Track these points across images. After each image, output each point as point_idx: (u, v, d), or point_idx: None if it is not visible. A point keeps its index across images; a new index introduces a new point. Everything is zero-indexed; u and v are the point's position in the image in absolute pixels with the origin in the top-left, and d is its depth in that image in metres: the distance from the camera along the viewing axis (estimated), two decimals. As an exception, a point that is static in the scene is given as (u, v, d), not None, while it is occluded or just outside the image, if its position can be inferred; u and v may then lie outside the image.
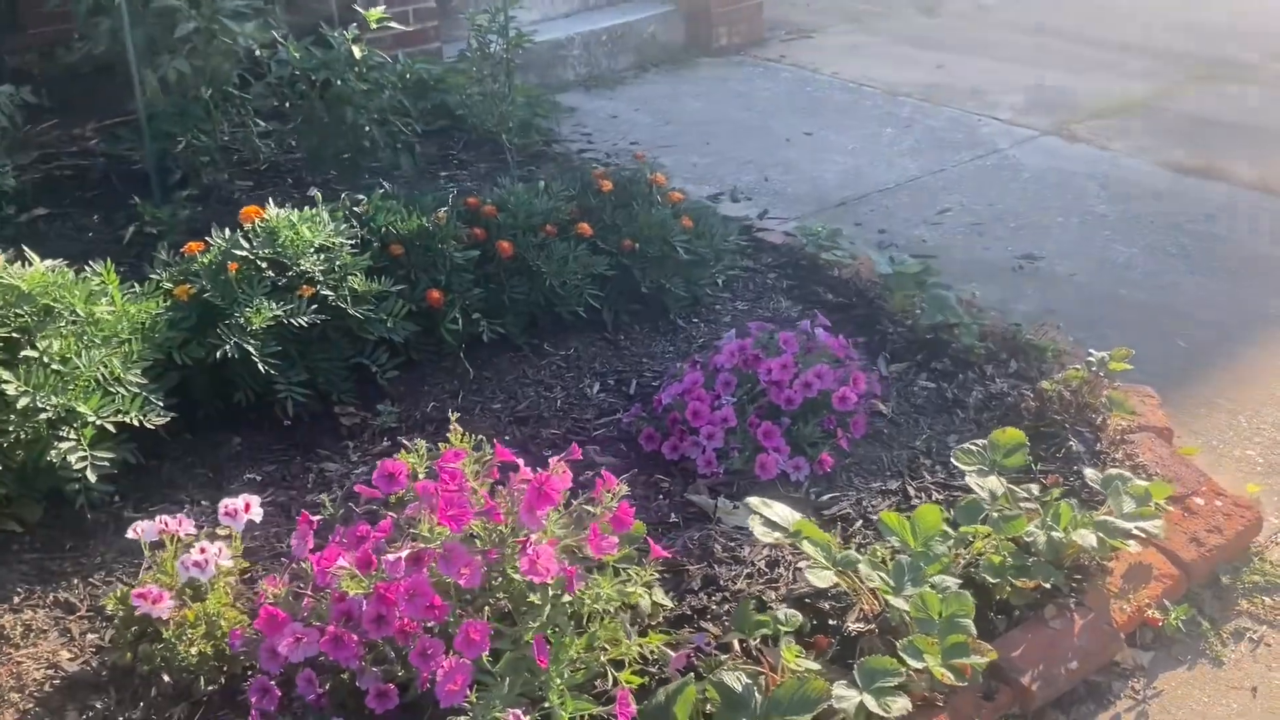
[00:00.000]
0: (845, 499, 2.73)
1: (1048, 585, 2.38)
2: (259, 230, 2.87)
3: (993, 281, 4.05)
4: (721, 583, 2.45)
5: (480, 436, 2.21)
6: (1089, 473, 2.61)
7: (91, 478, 2.41)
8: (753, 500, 2.34)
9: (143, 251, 3.53)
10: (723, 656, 2.21)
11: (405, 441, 2.85)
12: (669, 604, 2.35)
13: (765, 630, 2.14)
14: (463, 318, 3.09)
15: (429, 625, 2.00)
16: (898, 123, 5.75)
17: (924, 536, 2.35)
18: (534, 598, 2.07)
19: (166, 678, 2.12)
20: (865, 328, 3.49)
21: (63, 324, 2.49)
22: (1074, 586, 2.46)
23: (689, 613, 2.37)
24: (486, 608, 2.10)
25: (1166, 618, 2.45)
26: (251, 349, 2.67)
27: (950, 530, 2.43)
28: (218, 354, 2.67)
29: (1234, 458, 3.08)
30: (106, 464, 2.43)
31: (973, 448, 2.54)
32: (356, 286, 2.86)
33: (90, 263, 2.82)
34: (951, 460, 2.57)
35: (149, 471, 2.75)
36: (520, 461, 2.22)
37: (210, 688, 2.12)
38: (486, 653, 1.99)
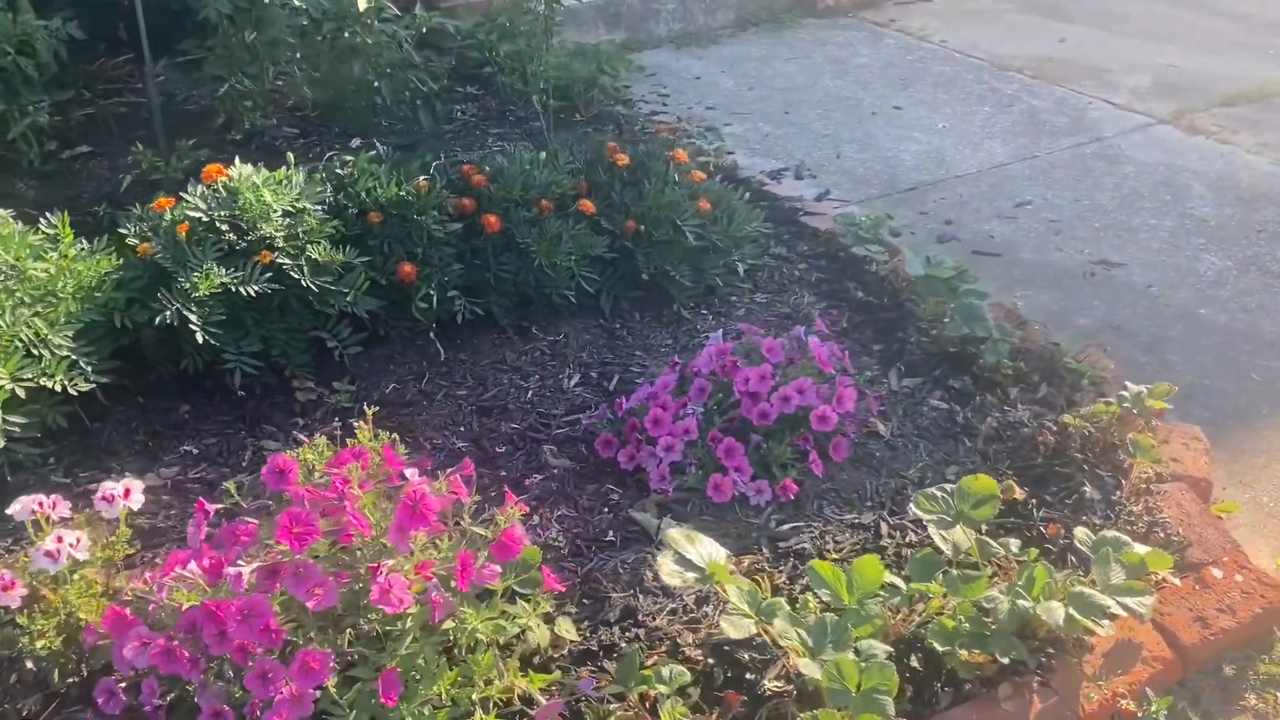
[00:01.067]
0: (808, 531, 2.46)
1: (1005, 660, 2.08)
2: (223, 190, 2.73)
3: (1057, 288, 3.66)
4: (640, 617, 2.22)
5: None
6: (1079, 532, 2.27)
7: (0, 442, 2.32)
8: (673, 533, 2.10)
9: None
10: (613, 706, 1.99)
11: (361, 424, 2.70)
12: (574, 637, 2.14)
13: (645, 687, 1.91)
14: (438, 295, 2.91)
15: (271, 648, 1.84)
16: (998, 101, 5.30)
17: (861, 592, 2.07)
18: (399, 625, 1.89)
19: (29, 664, 2.02)
20: (887, 333, 3.18)
21: (-8, 279, 2.41)
22: (1042, 662, 2.14)
23: (597, 648, 2.16)
24: (350, 630, 1.93)
25: (1145, 710, 2.11)
26: (192, 317, 2.55)
27: (901, 585, 2.15)
28: (156, 320, 2.55)
29: (1284, 521, 2.68)
30: (17, 430, 2.35)
31: (937, 493, 2.23)
32: (317, 256, 2.71)
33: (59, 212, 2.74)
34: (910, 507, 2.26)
35: (92, 434, 2.67)
36: (411, 471, 2.03)
37: (70, 680, 2.02)
38: (332, 682, 1.83)
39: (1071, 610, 2.05)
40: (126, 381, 2.70)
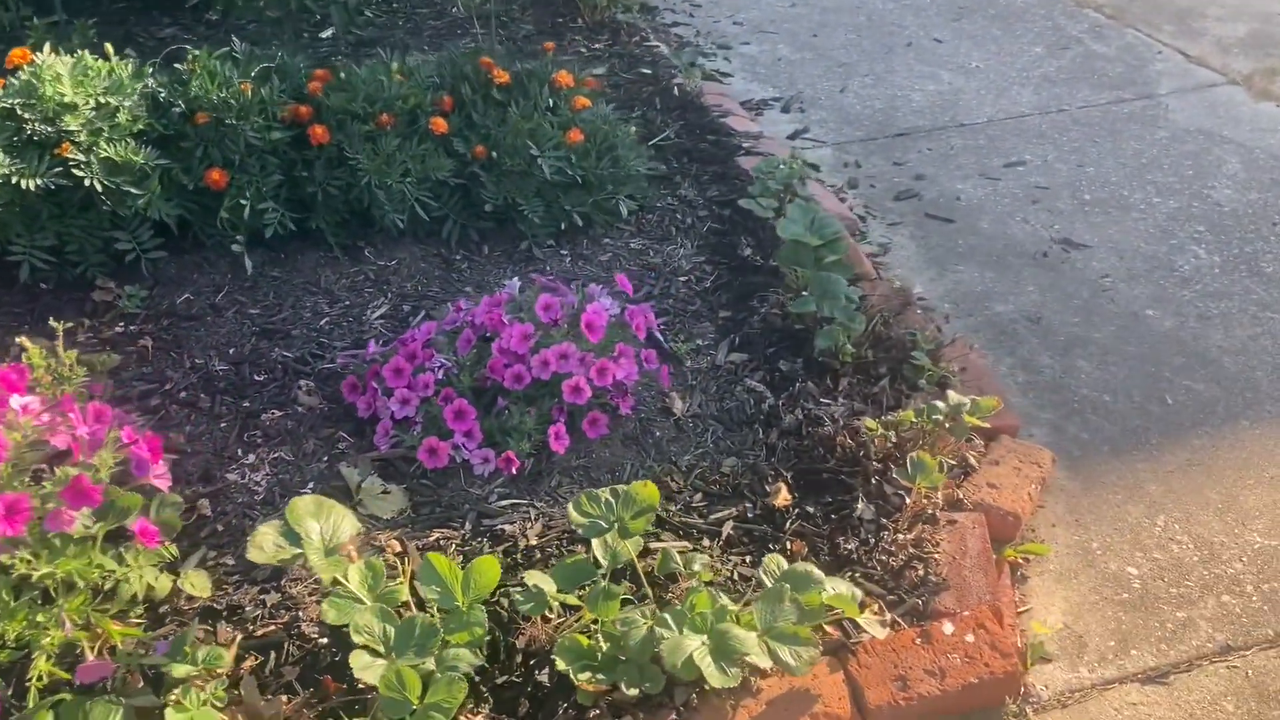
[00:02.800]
0: (525, 511, 2.26)
1: (631, 692, 1.85)
2: (27, 77, 2.66)
3: (995, 266, 3.24)
4: (285, 581, 2.09)
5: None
6: (769, 560, 1.99)
7: None
8: (301, 501, 1.94)
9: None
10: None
11: (148, 330, 2.64)
12: (203, 593, 2.02)
13: (190, 669, 1.79)
14: (250, 206, 2.78)
15: None
16: (1056, 41, 4.72)
17: (476, 594, 1.87)
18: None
19: None
20: (744, 300, 2.87)
21: None
22: (688, 702, 1.90)
23: (222, 607, 2.04)
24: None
25: (783, 775, 1.86)
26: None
27: (546, 590, 1.94)
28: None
29: (1103, 573, 2.30)
30: None
31: (602, 496, 1.98)
32: (111, 154, 2.61)
33: None
34: (570, 511, 2.01)
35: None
36: (26, 401, 1.94)
37: None
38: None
39: (711, 650, 1.80)
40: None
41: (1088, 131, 3.99)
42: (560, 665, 1.87)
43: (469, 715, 1.88)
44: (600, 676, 1.86)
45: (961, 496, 2.34)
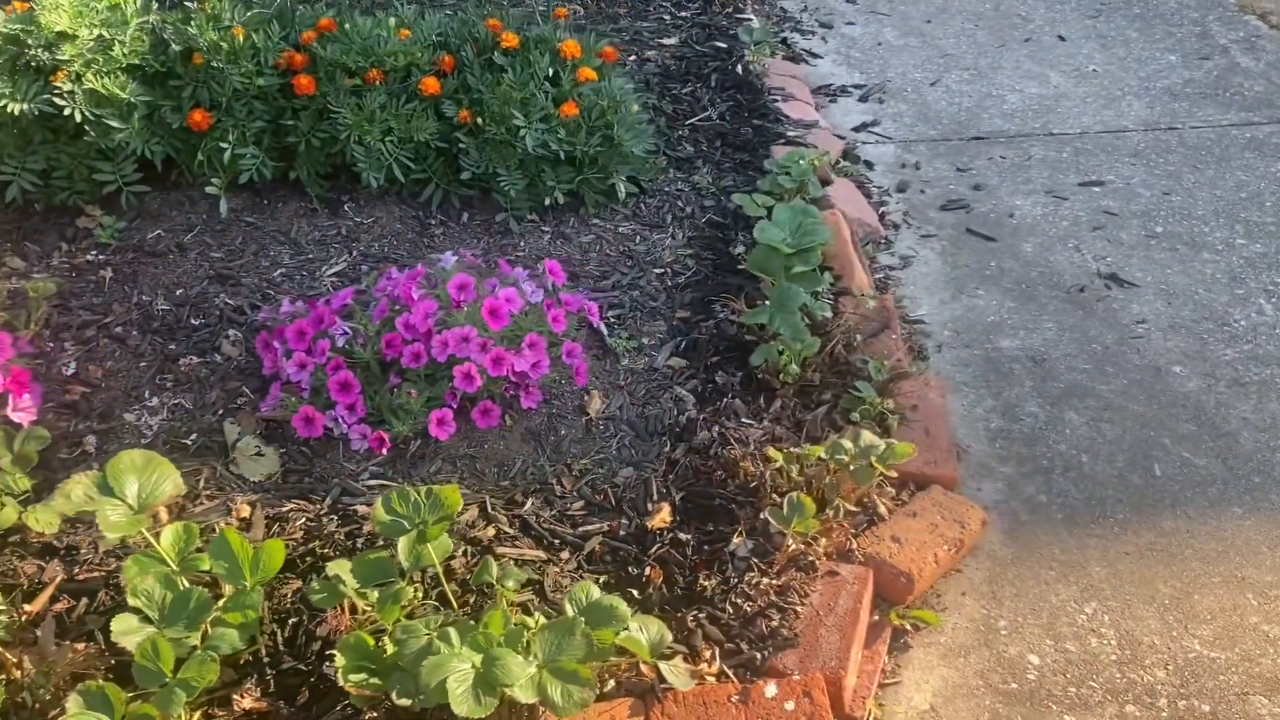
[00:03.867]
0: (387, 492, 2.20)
1: (402, 702, 1.78)
2: (34, 4, 2.75)
3: (1019, 295, 2.95)
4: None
5: None
6: (577, 587, 1.86)
7: None
8: (130, 454, 1.94)
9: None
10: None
11: (113, 261, 2.72)
12: (47, 530, 2.06)
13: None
14: (230, 149, 2.80)
15: None
16: (1197, 50, 4.24)
17: (263, 574, 1.83)
18: None
19: None
20: (707, 302, 2.71)
21: None
22: None
23: (60, 545, 2.08)
24: None
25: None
26: (-45, 123, 2.62)
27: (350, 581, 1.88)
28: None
29: (999, 656, 2.06)
30: None
31: (413, 495, 1.89)
32: (97, 87, 2.68)
33: None
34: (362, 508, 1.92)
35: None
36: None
37: None
38: None
39: (454, 676, 1.70)
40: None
41: (1191, 155, 3.57)
42: (338, 661, 1.80)
43: (243, 694, 1.84)
44: (374, 681, 1.79)
45: (856, 547, 2.14)
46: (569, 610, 1.84)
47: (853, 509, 2.18)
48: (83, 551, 2.05)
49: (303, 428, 2.25)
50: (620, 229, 2.96)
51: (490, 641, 1.77)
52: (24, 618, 1.93)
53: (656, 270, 2.82)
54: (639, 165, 3.01)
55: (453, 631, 1.77)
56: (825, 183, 3.22)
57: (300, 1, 3.14)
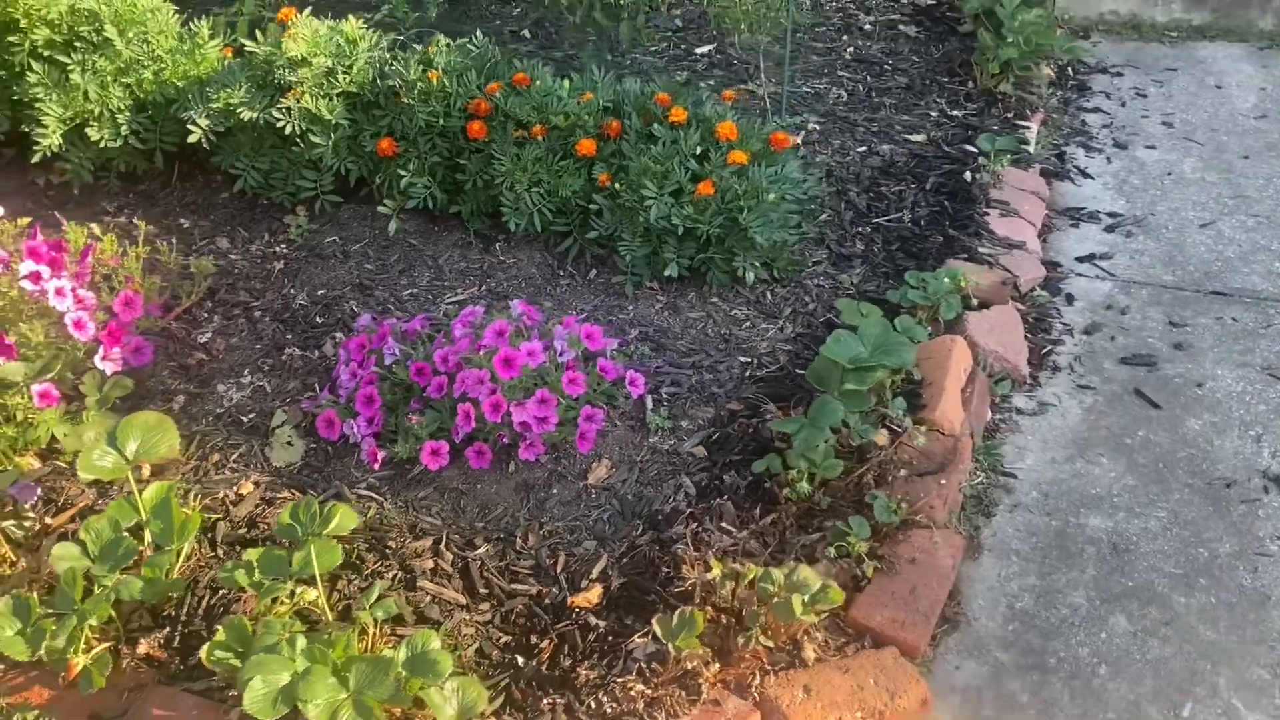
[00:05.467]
0: (364, 507, 2.39)
1: (243, 688, 1.95)
2: (278, 33, 3.24)
3: (1144, 475, 2.60)
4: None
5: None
6: (425, 634, 1.93)
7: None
8: (144, 414, 2.27)
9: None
10: None
11: (290, 256, 3.15)
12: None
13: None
14: (407, 177, 3.14)
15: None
16: None
17: (183, 541, 2.09)
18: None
19: None
20: (768, 399, 2.65)
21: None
22: None
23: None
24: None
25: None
26: (201, 127, 3.17)
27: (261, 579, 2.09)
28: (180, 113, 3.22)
29: None
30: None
31: (313, 506, 2.04)
32: (310, 106, 3.12)
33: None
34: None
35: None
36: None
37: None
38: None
39: (261, 679, 1.84)
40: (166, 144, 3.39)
41: None
42: (216, 636, 2.00)
43: (149, 641, 2.09)
44: (232, 662, 1.97)
45: (754, 684, 2.01)
46: (403, 652, 1.91)
47: (768, 644, 2.04)
48: (121, 487, 2.40)
49: (324, 429, 2.49)
50: (734, 312, 2.95)
51: (323, 657, 1.88)
52: (44, 528, 2.32)
53: (743, 359, 2.78)
54: (772, 252, 2.97)
55: (301, 639, 1.91)
56: (984, 305, 2.99)
57: (514, 55, 3.41)
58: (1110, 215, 3.63)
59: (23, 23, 3.28)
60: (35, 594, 2.05)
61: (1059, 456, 2.64)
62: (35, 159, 3.25)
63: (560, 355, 2.49)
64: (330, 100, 3.12)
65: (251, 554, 2.07)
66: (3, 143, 3.45)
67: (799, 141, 3.68)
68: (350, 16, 3.28)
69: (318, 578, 2.01)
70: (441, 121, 3.09)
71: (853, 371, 2.46)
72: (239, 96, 3.14)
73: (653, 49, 4.44)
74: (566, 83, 3.11)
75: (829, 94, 4.13)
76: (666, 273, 2.95)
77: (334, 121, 3.11)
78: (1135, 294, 3.23)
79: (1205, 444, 2.66)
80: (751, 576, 2.08)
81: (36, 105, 3.22)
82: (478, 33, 3.37)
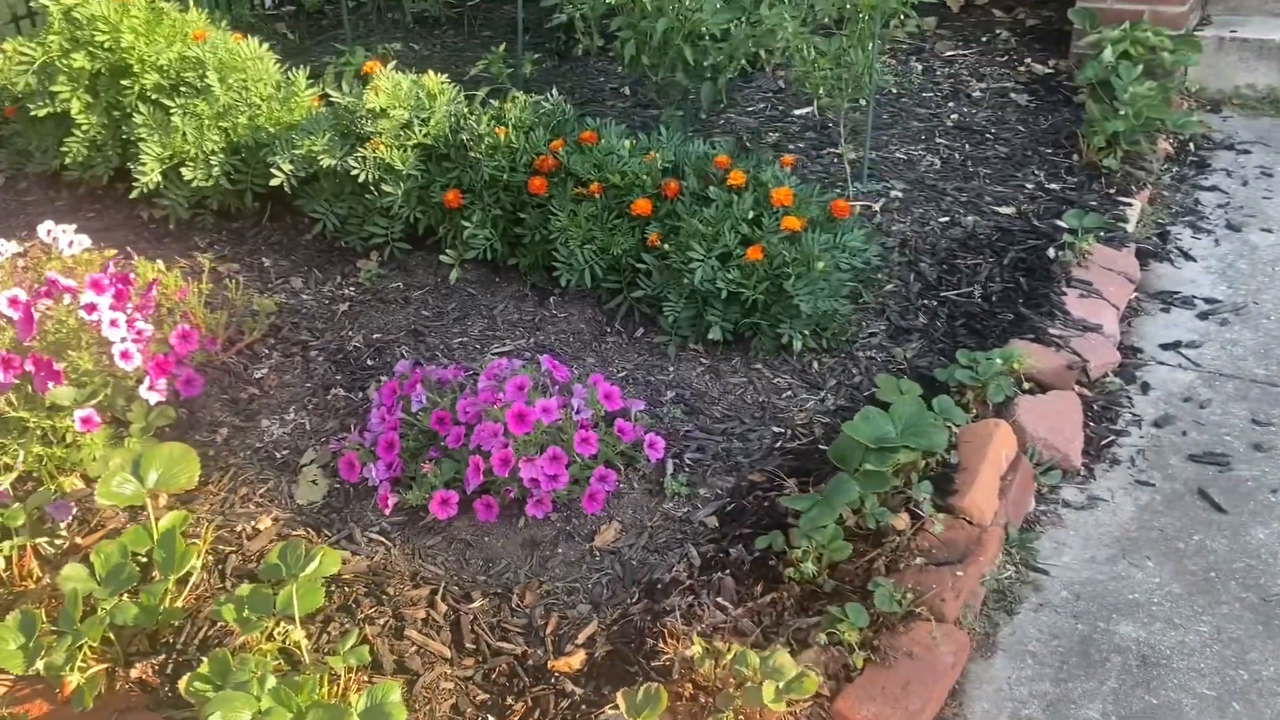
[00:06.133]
0: (370, 552, 2.43)
1: (214, 721, 2.00)
2: (360, 85, 3.38)
3: (1190, 582, 2.43)
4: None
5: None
6: (387, 687, 1.94)
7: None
8: (171, 446, 2.38)
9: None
10: None
11: (355, 299, 3.26)
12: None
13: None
14: (469, 229, 3.21)
15: None
16: None
17: (178, 569, 2.16)
18: None
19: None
20: (789, 472, 2.59)
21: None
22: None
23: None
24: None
25: None
26: (284, 171, 3.33)
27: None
28: (267, 160, 3.38)
29: None
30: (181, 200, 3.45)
31: (301, 548, 2.07)
32: (384, 155, 3.24)
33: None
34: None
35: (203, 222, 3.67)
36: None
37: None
38: None
39: (222, 714, 1.88)
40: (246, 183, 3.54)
41: None
42: (200, 668, 2.06)
43: (142, 665, 2.16)
44: (209, 695, 2.02)
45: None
46: (362, 702, 1.93)
47: (737, 728, 1.98)
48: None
49: (345, 470, 2.54)
50: (776, 380, 2.89)
51: (287, 700, 1.92)
52: (73, 547, 2.43)
53: (776, 429, 2.72)
54: (820, 321, 2.91)
55: (271, 679, 1.95)
56: (1043, 389, 2.85)
57: (588, 114, 3.46)
58: (1207, 301, 3.42)
59: (135, 68, 3.50)
60: (44, 611, 2.15)
61: (1100, 556, 2.48)
62: (134, 194, 3.46)
63: (577, 413, 2.48)
64: (404, 151, 3.22)
65: (243, 590, 2.12)
66: (113, 178, 3.66)
67: (876, 209, 3.61)
68: (432, 71, 3.38)
69: (297, 618, 2.05)
70: (506, 176, 3.15)
71: (874, 451, 2.37)
72: (321, 144, 3.27)
73: (750, 109, 4.43)
74: (627, 142, 3.13)
75: (922, 161, 4.04)
76: (710, 336, 2.92)
77: (406, 172, 3.21)
78: (1219, 387, 3.03)
79: (1269, 556, 2.46)
80: (730, 656, 2.02)
81: (139, 145, 3.42)
82: (554, 90, 3.43)
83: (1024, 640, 2.27)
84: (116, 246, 3.54)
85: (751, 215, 2.94)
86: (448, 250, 3.27)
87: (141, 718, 2.09)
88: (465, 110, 3.34)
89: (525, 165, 3.20)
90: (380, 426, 2.60)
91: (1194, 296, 3.44)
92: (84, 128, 3.57)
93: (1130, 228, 3.71)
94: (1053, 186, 3.91)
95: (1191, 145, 4.45)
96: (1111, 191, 3.90)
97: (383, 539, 2.44)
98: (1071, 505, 2.64)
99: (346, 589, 2.32)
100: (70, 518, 2.45)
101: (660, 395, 2.84)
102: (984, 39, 5.20)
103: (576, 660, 2.15)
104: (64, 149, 3.60)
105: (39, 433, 2.52)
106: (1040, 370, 2.90)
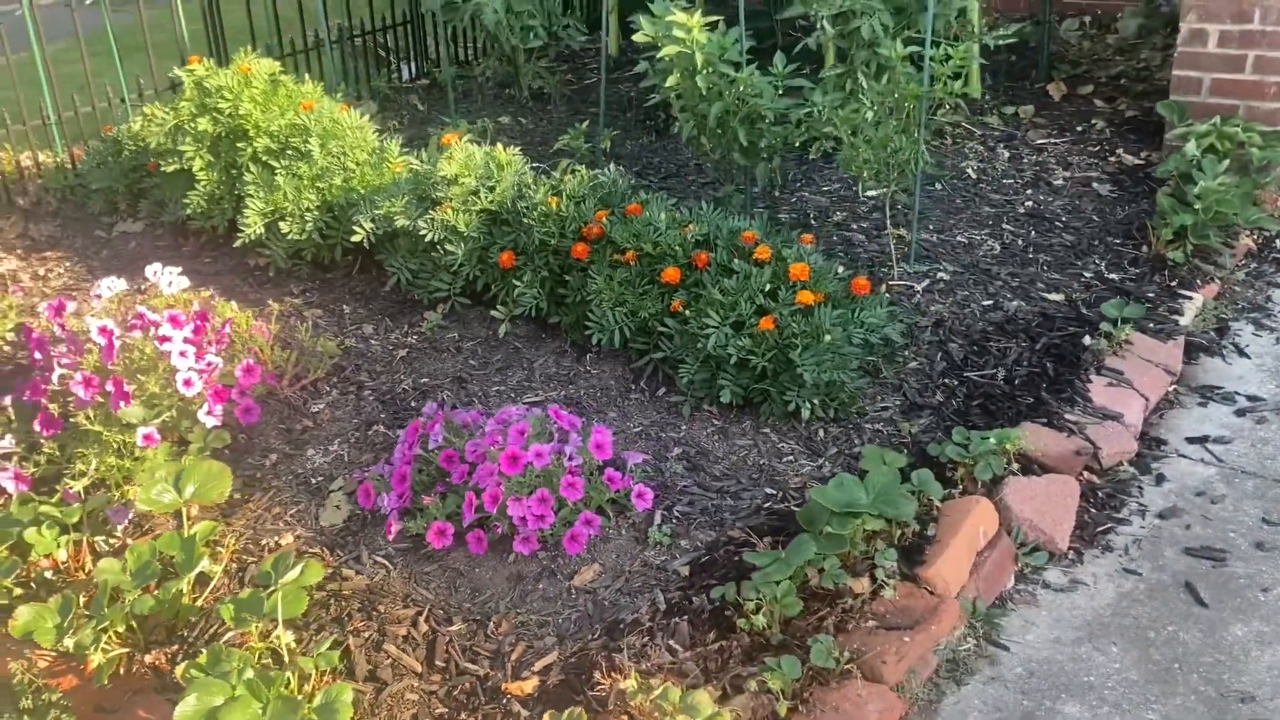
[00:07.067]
0: (370, 573, 2.69)
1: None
2: (436, 154, 3.72)
3: (1150, 671, 2.45)
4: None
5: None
6: (338, 689, 2.17)
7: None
8: (209, 463, 2.71)
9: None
10: (121, 533, 2.81)
11: (415, 346, 3.57)
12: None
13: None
14: (519, 289, 3.49)
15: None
16: None
17: (186, 571, 2.46)
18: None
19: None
20: (768, 535, 2.73)
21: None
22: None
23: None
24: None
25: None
26: (365, 229, 3.69)
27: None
28: (351, 218, 3.76)
29: None
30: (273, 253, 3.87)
31: (290, 559, 2.33)
32: (447, 218, 3.56)
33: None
34: None
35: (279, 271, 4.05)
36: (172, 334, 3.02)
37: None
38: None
39: (197, 696, 2.15)
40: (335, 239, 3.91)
41: None
42: (199, 658, 2.34)
43: (156, 652, 2.46)
44: (201, 680, 2.30)
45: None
46: (319, 699, 2.16)
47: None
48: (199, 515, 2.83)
49: (362, 498, 2.82)
50: (780, 445, 3.03)
51: (258, 691, 2.17)
52: (123, 546, 2.77)
53: (769, 490, 2.87)
54: (828, 392, 3.04)
55: (249, 671, 2.21)
56: (1044, 469, 2.91)
57: (666, 189, 3.70)
58: (1249, 399, 3.38)
59: (251, 132, 3.94)
60: (85, 597, 2.48)
61: (1065, 637, 2.52)
62: (238, 244, 3.88)
63: (569, 460, 2.69)
64: (468, 215, 3.53)
65: (245, 594, 2.40)
66: (228, 228, 4.10)
67: (918, 289, 3.71)
68: (519, 145, 3.69)
69: (280, 620, 2.31)
70: (555, 241, 3.42)
71: (837, 515, 2.50)
72: (399, 206, 3.62)
73: (825, 189, 4.60)
74: (664, 215, 3.35)
75: (982, 245, 4.12)
76: (721, 398, 3.08)
77: (467, 233, 3.51)
78: (1238, 484, 3.01)
79: (1240, 653, 2.45)
80: (657, 692, 2.17)
81: (247, 200, 3.84)
82: (624, 165, 3.69)
83: (965, 711, 2.34)
84: (223, 289, 3.97)
85: (768, 288, 3.11)
86: (499, 306, 3.55)
87: (150, 698, 2.37)
88: (530, 180, 3.64)
89: (574, 232, 3.46)
90: (399, 460, 2.86)
91: (1237, 393, 3.41)
92: (203, 183, 4.02)
93: (1184, 321, 3.70)
94: (1112, 276, 3.92)
95: (1278, 243, 4.37)
96: (1173, 284, 3.90)
97: (386, 562, 2.69)
98: (1051, 587, 2.68)
99: (344, 603, 2.57)
100: (126, 521, 2.79)
101: (667, 451, 3.01)
102: (1079, 128, 5.22)
103: (529, 685, 2.34)
104: (186, 201, 4.05)
105: (113, 445, 2.88)
106: (1045, 453, 2.95)
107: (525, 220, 3.48)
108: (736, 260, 3.21)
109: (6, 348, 3.47)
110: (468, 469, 2.72)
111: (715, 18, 3.75)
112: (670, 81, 3.74)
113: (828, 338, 2.98)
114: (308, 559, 2.37)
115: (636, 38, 3.83)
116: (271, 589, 2.33)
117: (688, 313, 3.15)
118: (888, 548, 2.55)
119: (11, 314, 3.68)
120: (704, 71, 3.66)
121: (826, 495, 2.53)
